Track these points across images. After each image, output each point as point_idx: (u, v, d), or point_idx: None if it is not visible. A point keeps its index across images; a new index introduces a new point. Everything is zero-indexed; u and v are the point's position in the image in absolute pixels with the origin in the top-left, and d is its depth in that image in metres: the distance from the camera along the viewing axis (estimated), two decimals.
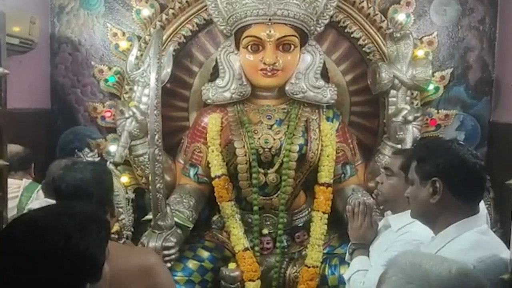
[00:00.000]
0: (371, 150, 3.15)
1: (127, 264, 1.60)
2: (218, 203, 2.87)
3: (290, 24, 2.75)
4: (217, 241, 2.93)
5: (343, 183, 2.99)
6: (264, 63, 2.72)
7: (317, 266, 2.75)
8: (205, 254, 2.78)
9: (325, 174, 2.86)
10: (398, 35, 2.94)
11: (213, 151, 2.85)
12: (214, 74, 2.98)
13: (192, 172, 2.97)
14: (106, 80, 3.21)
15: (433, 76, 3.11)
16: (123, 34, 3.19)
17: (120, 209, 2.87)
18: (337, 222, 2.87)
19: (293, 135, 2.81)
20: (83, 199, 1.69)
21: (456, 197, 1.55)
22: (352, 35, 3.12)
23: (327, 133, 2.88)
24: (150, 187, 2.43)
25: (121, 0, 3.22)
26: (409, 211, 1.72)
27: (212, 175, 2.85)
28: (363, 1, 3.07)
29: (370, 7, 3.09)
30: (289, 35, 2.75)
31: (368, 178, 3.03)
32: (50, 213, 1.18)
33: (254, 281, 2.73)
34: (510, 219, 1.47)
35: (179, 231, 2.57)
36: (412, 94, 3.04)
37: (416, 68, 2.91)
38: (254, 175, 2.78)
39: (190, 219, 2.75)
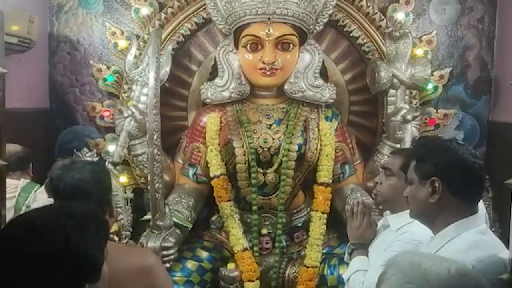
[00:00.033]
0: (370, 150, 3.15)
1: (126, 264, 1.60)
2: (217, 203, 2.87)
3: (289, 23, 2.75)
4: (216, 241, 2.93)
5: (342, 182, 2.99)
6: (263, 62, 2.72)
7: (316, 266, 2.75)
8: (204, 254, 2.78)
9: (324, 174, 2.85)
10: (397, 34, 2.94)
11: (212, 151, 2.85)
12: (213, 73, 2.97)
13: (191, 172, 2.97)
14: (104, 79, 3.21)
15: (432, 75, 3.11)
16: (122, 33, 3.19)
17: (119, 209, 2.87)
18: (336, 222, 2.87)
19: (292, 134, 2.81)
20: (82, 199, 1.69)
21: (455, 196, 1.55)
22: (351, 34, 3.11)
23: (326, 132, 2.88)
24: (149, 187, 2.43)
25: None
26: (408, 211, 1.71)
27: (211, 175, 2.85)
28: (362, 0, 3.07)
29: (369, 6, 3.09)
30: (288, 34, 2.75)
31: (367, 178, 3.03)
32: (49, 213, 1.17)
33: (253, 281, 2.73)
34: (509, 218, 1.47)
35: (178, 231, 2.57)
36: (411, 93, 3.04)
37: (415, 67, 2.91)
38: (253, 175, 2.78)
39: (189, 219, 2.75)
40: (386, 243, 1.94)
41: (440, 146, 1.64)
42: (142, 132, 2.85)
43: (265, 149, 2.79)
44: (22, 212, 2.59)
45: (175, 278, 2.60)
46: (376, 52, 3.10)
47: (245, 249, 2.78)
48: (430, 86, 3.14)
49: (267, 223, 2.90)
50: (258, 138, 2.80)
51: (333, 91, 2.91)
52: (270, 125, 2.85)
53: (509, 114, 3.09)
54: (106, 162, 2.84)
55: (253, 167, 2.77)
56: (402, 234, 1.90)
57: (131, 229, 2.94)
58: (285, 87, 2.86)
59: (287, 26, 2.75)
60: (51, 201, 2.34)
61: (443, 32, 3.23)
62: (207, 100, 2.93)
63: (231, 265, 2.74)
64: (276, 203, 2.84)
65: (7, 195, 2.15)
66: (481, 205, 1.67)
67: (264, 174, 2.81)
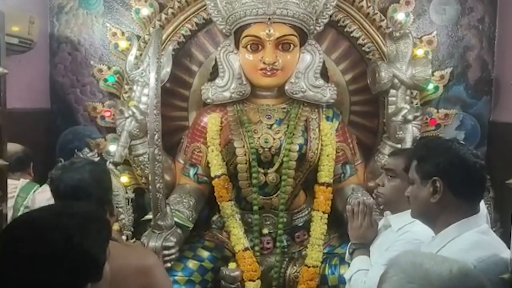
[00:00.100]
0: (371, 150, 3.15)
1: (125, 264, 1.61)
2: (218, 203, 2.87)
3: (289, 24, 2.74)
4: (217, 241, 2.93)
5: (343, 182, 2.99)
6: (264, 63, 2.72)
7: (317, 266, 2.75)
8: (205, 254, 2.78)
9: (325, 174, 2.86)
10: (398, 34, 2.94)
11: (212, 151, 2.85)
12: (214, 74, 2.97)
13: (192, 171, 2.97)
14: (105, 80, 3.21)
15: (433, 75, 3.11)
16: (123, 33, 3.19)
17: (120, 209, 2.87)
18: (337, 222, 2.87)
19: (293, 134, 2.81)
20: (82, 199, 1.69)
21: (456, 196, 1.55)
22: (351, 35, 3.12)
23: (327, 132, 2.88)
24: (150, 187, 2.43)
25: (120, 0, 3.22)
26: (409, 210, 1.72)
27: (212, 174, 2.85)
28: (362, 0, 3.07)
29: (370, 6, 3.08)
30: (288, 35, 2.75)
31: (368, 178, 3.03)
32: (50, 213, 1.18)
33: (254, 281, 2.73)
34: (510, 218, 1.47)
35: (179, 231, 2.57)
36: (411, 93, 3.04)
37: (416, 68, 2.91)
38: (254, 175, 2.78)
39: (190, 219, 2.75)
40: (387, 243, 1.94)
41: (441, 146, 1.64)
42: (143, 132, 2.85)
43: (266, 149, 2.79)
44: (20, 212, 2.58)
45: (176, 277, 2.61)
46: (376, 53, 3.10)
47: (246, 249, 2.78)
48: (430, 86, 3.14)
49: (268, 222, 2.90)
50: (259, 138, 2.80)
51: (334, 91, 2.91)
52: (271, 125, 2.85)
53: (510, 114, 3.09)
54: (107, 162, 2.84)
55: (254, 167, 2.77)
56: (403, 233, 1.90)
57: (132, 229, 2.95)
58: (286, 87, 2.86)
59: (288, 27, 2.75)
60: (50, 201, 2.35)
61: (443, 33, 3.23)
62: (208, 100, 2.93)
63: (232, 265, 2.74)
64: (277, 203, 2.84)
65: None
66: (482, 205, 1.68)
67: (265, 174, 2.81)
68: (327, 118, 2.95)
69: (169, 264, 2.51)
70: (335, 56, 3.19)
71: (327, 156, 2.85)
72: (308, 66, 2.87)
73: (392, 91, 2.94)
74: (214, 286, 2.75)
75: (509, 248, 1.44)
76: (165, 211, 2.47)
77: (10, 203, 2.64)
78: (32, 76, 3.13)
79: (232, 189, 2.89)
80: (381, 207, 2.14)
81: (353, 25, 3.10)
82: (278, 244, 2.86)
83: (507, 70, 3.17)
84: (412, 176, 1.65)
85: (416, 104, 3.08)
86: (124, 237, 2.76)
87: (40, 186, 2.76)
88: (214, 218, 3.01)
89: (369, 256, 2.03)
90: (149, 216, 2.55)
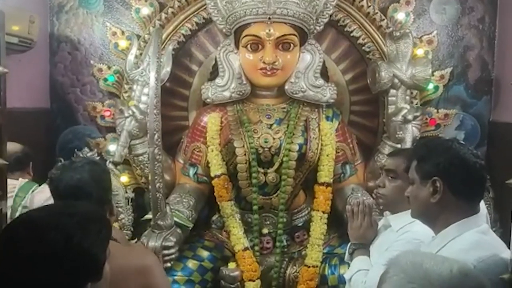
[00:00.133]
0: (370, 150, 3.15)
1: (124, 264, 1.60)
2: (218, 203, 2.87)
3: (289, 23, 2.74)
4: (216, 240, 2.93)
5: (343, 182, 2.98)
6: (264, 62, 2.72)
7: (317, 266, 2.75)
8: (205, 253, 2.78)
9: (325, 174, 2.85)
10: (398, 34, 2.94)
11: (212, 151, 2.85)
12: (214, 73, 2.97)
13: (191, 171, 2.97)
14: (105, 79, 3.20)
15: (433, 75, 3.10)
16: (123, 33, 3.19)
17: (119, 209, 2.87)
18: (337, 222, 2.87)
19: (293, 134, 2.81)
20: (81, 199, 1.69)
21: (456, 196, 1.55)
22: (351, 34, 3.11)
23: (327, 132, 2.88)
24: (149, 187, 2.43)
25: None
26: (409, 210, 1.71)
27: (212, 174, 2.85)
28: (362, 0, 3.07)
29: (370, 6, 3.08)
30: (288, 34, 2.75)
31: (368, 178, 3.03)
32: (50, 213, 1.18)
33: (254, 280, 2.73)
34: (510, 218, 1.47)
35: (178, 230, 2.57)
36: (411, 93, 3.04)
37: (416, 67, 2.91)
38: (253, 175, 2.78)
39: (190, 218, 2.75)
40: (387, 243, 1.93)
41: (441, 146, 1.64)
42: (143, 132, 2.85)
43: (266, 149, 2.79)
44: (18, 212, 2.56)
45: (176, 277, 2.61)
46: (376, 52, 3.10)
47: (246, 249, 2.78)
48: (430, 86, 3.14)
49: (268, 222, 2.90)
50: (258, 138, 2.80)
51: (334, 91, 2.91)
52: (271, 125, 2.85)
53: (510, 114, 3.09)
54: (107, 162, 2.84)
55: (254, 167, 2.77)
56: (403, 233, 1.90)
57: (132, 229, 2.95)
58: (286, 87, 2.86)
59: (288, 26, 2.75)
60: (48, 201, 2.34)
61: (443, 32, 3.22)
62: (208, 100, 2.93)
63: (232, 265, 2.75)
64: (277, 203, 2.84)
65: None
66: (482, 205, 1.67)
67: (265, 174, 2.81)
68: (327, 118, 2.95)
69: (168, 264, 2.52)
70: (335, 55, 3.19)
71: (327, 156, 2.85)
72: (308, 65, 2.87)
73: (392, 91, 2.94)
74: (214, 286, 2.75)
75: (509, 248, 1.44)
76: (164, 210, 2.47)
77: (9, 202, 2.62)
78: (32, 75, 3.13)
79: (232, 189, 2.89)
80: (381, 207, 2.13)
81: (353, 24, 3.10)
82: (278, 244, 2.85)
83: (507, 70, 3.17)
84: (412, 176, 1.64)
85: (416, 104, 3.08)
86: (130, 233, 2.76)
87: (39, 185, 2.75)
88: (214, 218, 3.01)
89: (369, 256, 2.02)
90: (149, 215, 2.54)
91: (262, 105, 2.92)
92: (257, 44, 2.75)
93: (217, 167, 2.83)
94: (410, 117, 2.85)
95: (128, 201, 2.99)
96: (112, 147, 3.10)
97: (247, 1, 2.72)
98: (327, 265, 2.76)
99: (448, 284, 1.00)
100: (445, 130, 3.23)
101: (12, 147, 2.59)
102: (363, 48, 3.12)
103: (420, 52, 3.12)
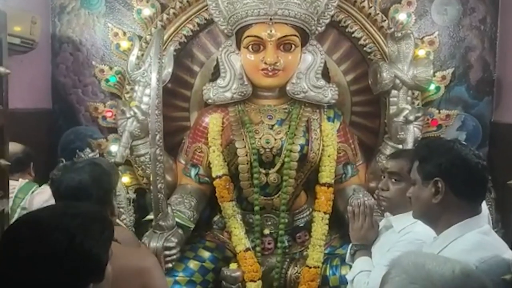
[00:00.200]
0: (372, 150, 3.15)
1: (124, 265, 1.60)
2: (219, 203, 2.87)
3: (291, 24, 2.75)
4: (218, 241, 2.93)
5: (344, 183, 2.98)
6: (265, 63, 2.72)
7: (318, 267, 2.75)
8: (206, 254, 2.78)
9: (326, 174, 2.85)
10: (399, 34, 2.94)
11: (214, 151, 2.85)
12: (215, 74, 2.98)
13: (193, 172, 2.97)
14: (107, 80, 3.21)
15: (434, 76, 3.10)
16: (124, 34, 3.19)
17: (121, 209, 2.87)
18: (338, 223, 2.87)
19: (294, 135, 2.81)
20: (82, 200, 1.69)
21: (458, 197, 1.55)
22: (353, 35, 3.11)
23: (328, 133, 2.88)
24: (151, 187, 2.43)
25: (122, 0, 3.22)
26: (411, 211, 1.71)
27: (213, 175, 2.85)
28: (364, 1, 3.07)
29: (371, 7, 3.08)
30: (290, 35, 2.75)
31: (370, 178, 3.03)
32: (53, 213, 1.18)
33: (255, 281, 2.73)
34: None
35: (180, 231, 2.57)
36: (413, 94, 3.04)
37: (417, 68, 2.91)
38: (255, 175, 2.78)
39: (191, 219, 2.75)
40: (389, 243, 1.93)
41: (443, 147, 1.64)
42: (144, 133, 2.85)
43: (267, 149, 2.79)
44: (17, 214, 2.55)
45: (177, 278, 2.61)
46: (378, 53, 3.10)
47: (247, 249, 2.78)
48: (432, 86, 3.14)
49: (269, 223, 2.90)
50: (260, 138, 2.80)
51: (335, 92, 2.91)
52: (272, 125, 2.85)
53: (511, 114, 3.09)
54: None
55: (255, 168, 2.77)
56: (405, 234, 1.89)
57: (133, 229, 2.94)
58: (287, 87, 2.86)
59: (289, 27, 2.75)
60: (48, 203, 2.33)
61: (445, 33, 3.23)
62: (209, 101, 2.93)
63: (233, 265, 2.75)
64: (278, 204, 2.84)
65: None
66: (484, 205, 1.67)
67: (266, 174, 2.81)
68: (329, 118, 2.95)
69: (170, 265, 2.51)
70: (336, 56, 3.19)
71: (329, 156, 2.85)
72: (310, 66, 2.87)
73: (394, 92, 2.94)
74: (215, 287, 2.74)
75: (511, 248, 1.44)
76: (166, 211, 2.47)
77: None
78: (34, 76, 3.13)
79: (233, 189, 2.89)
80: (385, 210, 2.12)
81: (355, 25, 3.10)
82: (279, 244, 2.85)
83: (509, 71, 3.17)
84: (414, 176, 1.64)
85: (418, 104, 3.08)
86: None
87: (40, 186, 2.74)
88: (215, 218, 3.01)
89: (370, 257, 2.02)
90: (150, 216, 2.55)
91: (263, 106, 2.92)
92: (258, 45, 2.75)
93: (218, 168, 2.83)
94: (411, 117, 2.85)
95: (130, 201, 2.99)
96: (113, 148, 3.11)
97: (249, 2, 2.72)
98: (328, 265, 2.76)
99: (450, 285, 1.00)
100: (447, 131, 3.23)
101: (13, 147, 2.58)
102: (365, 49, 3.12)
103: (421, 53, 3.12)
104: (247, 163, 2.79)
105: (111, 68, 3.21)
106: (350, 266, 2.12)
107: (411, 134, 2.87)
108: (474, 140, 3.21)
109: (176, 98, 3.19)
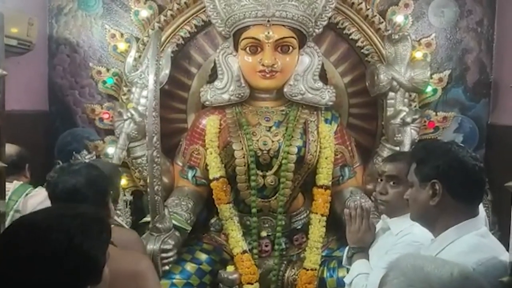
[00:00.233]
0: (369, 152, 3.15)
1: (119, 268, 1.59)
2: (216, 206, 2.87)
3: (288, 26, 2.75)
4: (215, 243, 2.93)
5: (342, 185, 2.99)
6: (263, 65, 2.72)
7: (315, 269, 2.75)
8: (203, 256, 2.78)
9: (324, 176, 2.85)
10: (397, 37, 2.94)
11: (211, 153, 2.85)
12: (213, 76, 2.98)
13: (190, 174, 2.97)
14: (104, 82, 3.21)
15: (431, 78, 3.11)
16: (121, 35, 3.19)
17: (117, 211, 2.85)
18: (335, 225, 2.87)
19: (292, 137, 2.81)
20: (78, 202, 1.68)
21: (455, 199, 1.55)
22: (350, 37, 3.12)
23: (326, 135, 2.88)
24: (148, 189, 2.42)
25: (119, 2, 3.22)
26: (408, 214, 1.71)
27: (210, 177, 2.84)
28: (361, 3, 3.08)
29: (369, 9, 3.09)
30: (287, 37, 2.75)
31: (367, 180, 3.03)
32: (52, 214, 1.18)
33: (252, 283, 2.73)
34: (509, 221, 1.46)
35: (177, 233, 2.57)
36: (410, 96, 3.05)
37: (414, 70, 2.92)
38: (252, 177, 2.78)
39: (188, 221, 2.75)
40: (386, 246, 1.92)
41: (440, 149, 1.63)
42: (141, 135, 2.85)
43: (265, 151, 2.79)
44: (10, 216, 2.52)
45: (174, 280, 2.60)
46: (375, 55, 3.10)
47: (244, 252, 2.78)
48: (429, 88, 3.15)
49: (267, 225, 2.90)
50: (257, 140, 2.80)
51: (333, 94, 2.91)
52: (270, 127, 2.85)
53: (508, 116, 3.09)
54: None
55: (253, 170, 2.77)
56: (403, 236, 1.88)
57: None
58: (285, 89, 2.86)
59: (287, 29, 2.75)
60: (42, 205, 2.31)
61: (442, 35, 3.23)
62: (207, 103, 2.93)
63: (230, 268, 2.74)
64: (276, 206, 2.84)
65: None
66: (481, 207, 1.67)
67: (264, 176, 2.81)
68: (326, 120, 2.95)
69: (167, 267, 2.51)
70: (334, 58, 3.20)
71: (326, 158, 2.85)
72: (307, 68, 2.88)
73: (391, 94, 2.95)
74: None
75: (507, 251, 1.44)
76: (163, 213, 2.46)
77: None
78: (30, 77, 3.12)
79: (231, 191, 2.89)
80: (384, 213, 2.11)
81: (352, 27, 3.11)
82: (276, 247, 2.85)
83: (506, 73, 3.18)
84: (411, 178, 1.64)
85: (415, 106, 3.08)
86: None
87: (34, 188, 2.72)
88: (213, 220, 3.01)
89: (368, 259, 2.02)
90: (147, 218, 2.54)
91: (261, 108, 2.92)
92: (256, 47, 2.75)
93: (215, 170, 2.83)
94: (408, 119, 2.86)
95: (127, 203, 2.98)
96: (110, 150, 3.10)
97: (246, 4, 2.72)
98: (325, 268, 2.76)
99: (448, 287, 0.99)
100: (444, 133, 3.24)
101: (7, 149, 2.57)
102: (362, 50, 3.13)
103: (418, 55, 3.13)
104: (244, 165, 2.78)
105: (108, 70, 3.21)
106: (348, 269, 2.11)
107: (408, 136, 2.87)
108: (471, 142, 3.21)
109: (174, 100, 3.19)
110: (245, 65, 2.82)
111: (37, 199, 2.53)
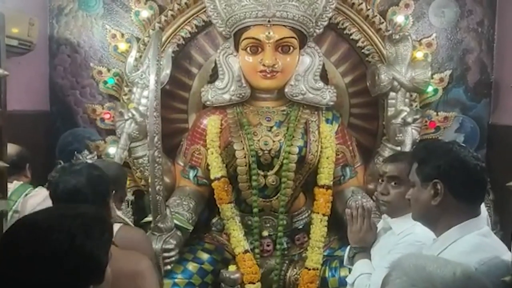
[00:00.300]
0: (370, 152, 3.16)
1: (119, 268, 1.60)
2: (218, 205, 2.87)
3: (289, 26, 2.75)
4: (217, 243, 2.93)
5: (343, 185, 2.99)
6: (263, 65, 2.72)
7: (317, 269, 2.75)
8: (205, 256, 2.78)
9: (325, 176, 2.86)
10: (397, 37, 2.94)
11: (212, 153, 2.85)
12: (214, 76, 2.98)
13: (191, 174, 2.97)
14: (105, 82, 3.21)
15: (432, 78, 3.11)
16: (122, 35, 3.19)
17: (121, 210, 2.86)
18: (337, 224, 2.87)
19: (293, 137, 2.81)
20: (78, 202, 1.68)
21: (457, 199, 1.55)
22: (351, 37, 3.12)
23: (327, 135, 2.88)
24: (149, 189, 2.42)
25: (120, 2, 3.22)
26: (410, 214, 1.71)
27: (212, 177, 2.85)
28: (362, 3, 3.08)
29: (369, 9, 3.09)
30: (288, 37, 2.75)
31: (368, 180, 3.03)
32: (54, 214, 1.18)
33: (254, 283, 2.73)
34: (510, 221, 1.47)
35: (179, 233, 2.57)
36: (411, 96, 3.05)
37: (415, 70, 2.92)
38: (253, 177, 2.78)
39: (190, 221, 2.75)
40: (388, 246, 1.92)
41: (442, 149, 1.63)
42: (142, 135, 2.85)
43: (266, 151, 2.79)
44: (9, 217, 2.51)
45: (176, 280, 2.61)
46: (376, 55, 3.10)
47: (246, 251, 2.78)
48: (430, 88, 3.15)
49: (268, 225, 2.90)
50: (258, 140, 2.80)
51: (334, 94, 2.91)
52: (271, 127, 2.85)
53: (509, 116, 3.10)
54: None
55: (254, 170, 2.77)
56: (405, 236, 1.88)
57: None
58: (286, 89, 2.86)
59: (287, 29, 2.75)
60: (42, 205, 2.31)
61: (442, 35, 3.23)
62: (208, 103, 2.93)
63: (232, 267, 2.74)
64: (277, 205, 2.84)
65: None
66: (482, 207, 1.67)
67: (265, 176, 2.81)
68: (327, 120, 2.95)
69: (169, 267, 2.51)
70: (334, 58, 3.20)
71: (327, 158, 2.85)
72: (308, 68, 2.88)
73: (392, 94, 2.95)
74: None
75: (510, 250, 1.44)
76: (165, 213, 2.46)
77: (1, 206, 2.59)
78: (31, 78, 3.12)
79: (232, 191, 2.89)
80: (385, 214, 2.10)
81: (353, 27, 3.11)
82: (278, 246, 2.85)
83: (506, 73, 3.18)
84: (413, 178, 1.64)
85: (416, 106, 3.08)
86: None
87: (34, 188, 2.71)
88: (214, 220, 3.01)
89: (370, 259, 2.02)
90: (149, 218, 2.54)
91: (262, 108, 2.92)
92: (256, 47, 2.75)
93: (217, 170, 2.83)
94: (409, 119, 2.86)
95: (128, 203, 2.98)
96: (112, 150, 3.10)
97: (247, 4, 2.72)
98: (327, 267, 2.76)
99: (451, 287, 1.00)
100: (445, 133, 3.24)
101: (8, 149, 2.56)
102: (363, 51, 3.13)
103: (419, 55, 3.13)
104: (246, 165, 2.78)
105: (109, 70, 3.21)
106: (349, 269, 2.11)
107: (409, 136, 2.87)
108: (472, 142, 3.21)
109: (174, 100, 3.19)
110: (246, 65, 2.82)
111: (37, 199, 2.53)
